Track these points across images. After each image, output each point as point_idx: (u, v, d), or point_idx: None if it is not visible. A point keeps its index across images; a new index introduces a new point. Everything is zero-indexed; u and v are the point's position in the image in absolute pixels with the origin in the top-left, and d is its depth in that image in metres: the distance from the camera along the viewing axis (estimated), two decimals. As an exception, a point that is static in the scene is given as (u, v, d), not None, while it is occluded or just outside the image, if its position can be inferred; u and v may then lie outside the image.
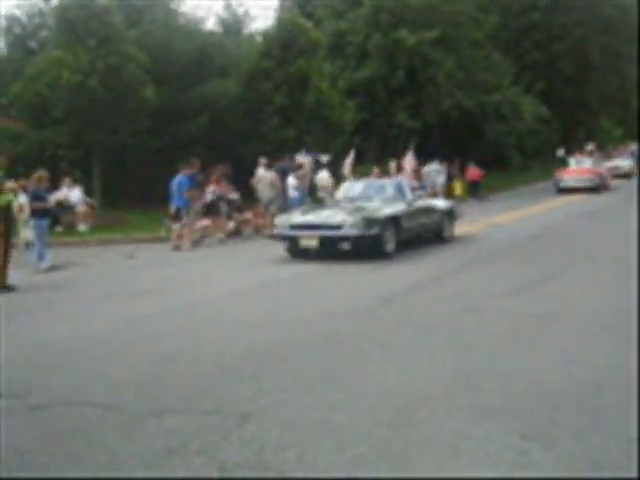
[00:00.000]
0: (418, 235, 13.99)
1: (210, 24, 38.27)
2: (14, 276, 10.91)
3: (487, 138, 36.86)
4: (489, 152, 37.11)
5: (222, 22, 33.05)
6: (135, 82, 21.05)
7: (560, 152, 34.53)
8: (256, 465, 3.81)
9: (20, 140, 22.62)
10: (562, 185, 30.08)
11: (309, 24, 27.70)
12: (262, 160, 19.51)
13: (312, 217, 12.84)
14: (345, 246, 11.98)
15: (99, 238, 18.15)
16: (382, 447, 4.02)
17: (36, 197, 13.16)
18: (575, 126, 47.73)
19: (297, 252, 12.69)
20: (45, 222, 13.25)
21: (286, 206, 17.42)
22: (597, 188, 29.10)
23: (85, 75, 20.04)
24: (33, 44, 28.59)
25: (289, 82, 25.27)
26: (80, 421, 4.57)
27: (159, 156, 23.23)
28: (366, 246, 12.10)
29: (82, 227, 19.55)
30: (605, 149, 45.49)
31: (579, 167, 31.34)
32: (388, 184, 14.68)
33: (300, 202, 17.53)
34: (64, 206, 19.26)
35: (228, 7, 33.84)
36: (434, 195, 16.60)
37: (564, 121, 45.48)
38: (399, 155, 26.15)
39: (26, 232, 15.95)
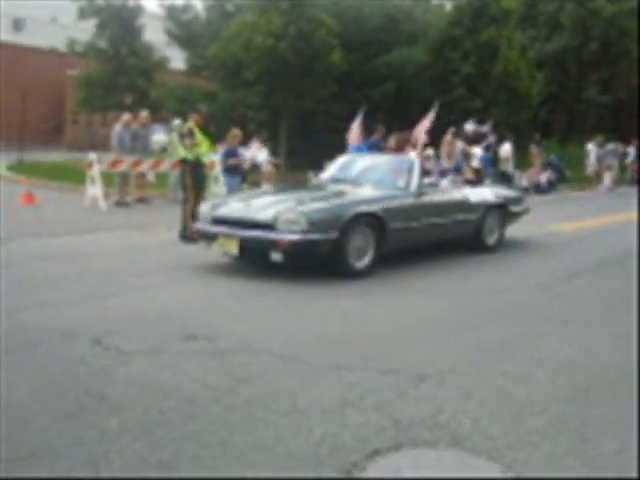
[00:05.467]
0: (434, 242, 9.68)
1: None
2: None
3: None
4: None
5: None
6: (324, 47, 21.41)
7: None
8: (431, 425, 3.88)
9: (213, 100, 23.68)
10: None
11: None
12: (450, 130, 19.39)
13: (239, 207, 8.53)
14: (276, 257, 7.72)
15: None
16: (559, 423, 3.97)
17: (230, 154, 13.64)
18: None
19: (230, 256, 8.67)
20: (237, 179, 13.72)
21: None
22: None
23: (277, 39, 20.61)
24: (230, 7, 29.68)
25: (478, 51, 24.78)
26: (262, 368, 4.77)
27: (344, 122, 23.55)
28: (315, 258, 7.94)
29: (266, 186, 20.22)
30: None
31: None
32: (392, 164, 10.03)
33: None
34: (251, 164, 19.99)
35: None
36: (475, 182, 12.30)
37: None
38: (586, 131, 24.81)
39: (216, 188, 16.70)
